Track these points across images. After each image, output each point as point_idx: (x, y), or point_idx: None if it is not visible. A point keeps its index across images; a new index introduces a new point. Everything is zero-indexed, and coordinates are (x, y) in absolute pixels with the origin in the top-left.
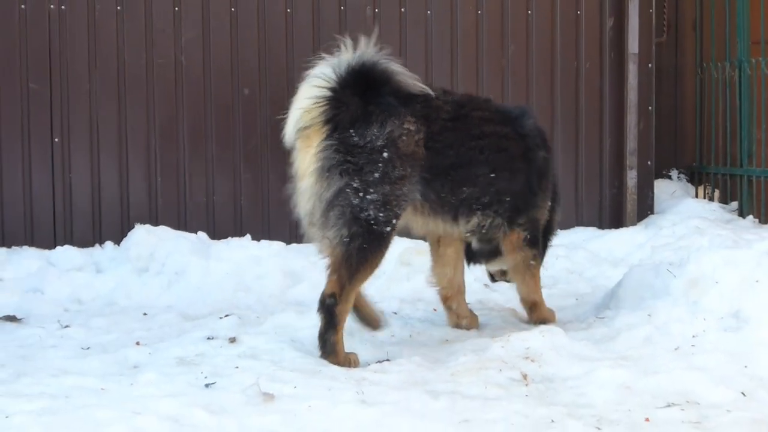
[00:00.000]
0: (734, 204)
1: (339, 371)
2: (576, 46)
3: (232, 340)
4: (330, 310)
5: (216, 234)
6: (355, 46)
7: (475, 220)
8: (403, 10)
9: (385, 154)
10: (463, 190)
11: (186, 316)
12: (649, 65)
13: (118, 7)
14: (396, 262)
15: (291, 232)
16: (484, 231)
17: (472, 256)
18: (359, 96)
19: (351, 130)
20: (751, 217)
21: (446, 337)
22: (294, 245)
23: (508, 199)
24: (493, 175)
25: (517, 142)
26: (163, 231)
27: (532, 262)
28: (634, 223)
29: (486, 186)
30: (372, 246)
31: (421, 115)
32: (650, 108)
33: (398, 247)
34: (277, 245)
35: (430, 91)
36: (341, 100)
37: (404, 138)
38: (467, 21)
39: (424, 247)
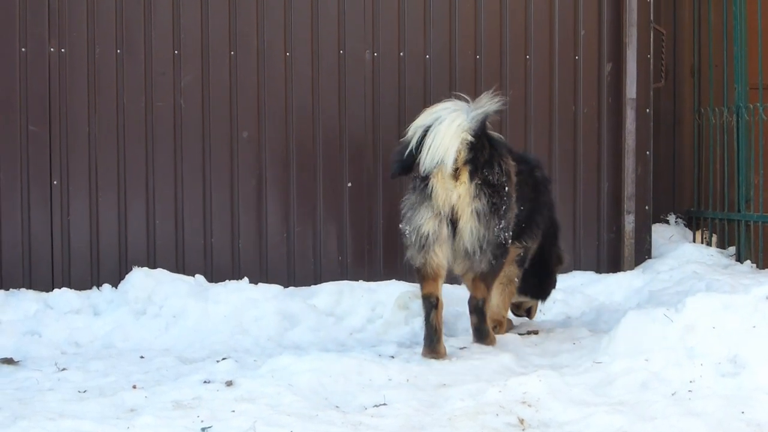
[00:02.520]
0: (732, 249)
1: (336, 415)
2: (574, 90)
3: (229, 383)
4: (481, 310)
5: (214, 277)
6: (489, 98)
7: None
8: (402, 54)
9: (506, 188)
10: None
11: (183, 359)
12: (647, 110)
13: (118, 50)
14: (394, 306)
15: (289, 275)
16: None
17: None
18: (488, 140)
19: (484, 170)
20: (748, 262)
21: (444, 382)
22: (291, 288)
23: (523, 225)
24: (522, 207)
25: (531, 179)
26: (161, 274)
27: (515, 280)
28: (631, 268)
29: (517, 214)
30: (503, 259)
31: (509, 150)
32: (648, 153)
33: (396, 291)
34: (275, 288)
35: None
36: (481, 145)
37: (512, 171)
38: (465, 65)
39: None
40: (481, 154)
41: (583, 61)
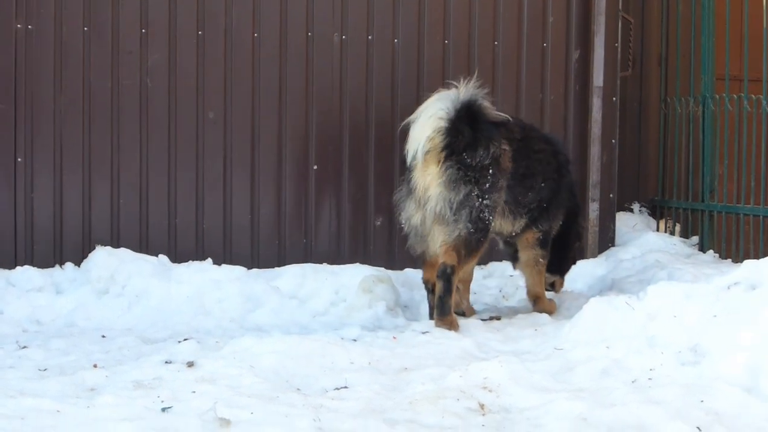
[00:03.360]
0: (695, 238)
1: (297, 398)
2: (542, 77)
3: (191, 364)
4: (449, 277)
5: (177, 257)
6: (465, 86)
7: (521, 221)
8: (370, 37)
9: (491, 170)
10: (529, 195)
11: (145, 339)
12: (614, 99)
13: (85, 28)
14: (357, 289)
15: (253, 257)
16: (518, 232)
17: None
18: (469, 126)
19: (464, 154)
20: (711, 251)
21: (405, 366)
22: (255, 270)
23: (544, 205)
24: (542, 184)
25: (555, 159)
26: (125, 253)
27: (540, 260)
28: (595, 256)
29: (537, 192)
30: (483, 238)
31: (507, 137)
32: (614, 141)
33: (359, 274)
34: (239, 270)
35: (509, 118)
36: (458, 130)
37: (502, 156)
38: (434, 50)
39: (384, 275)
40: (460, 138)
41: (551, 49)
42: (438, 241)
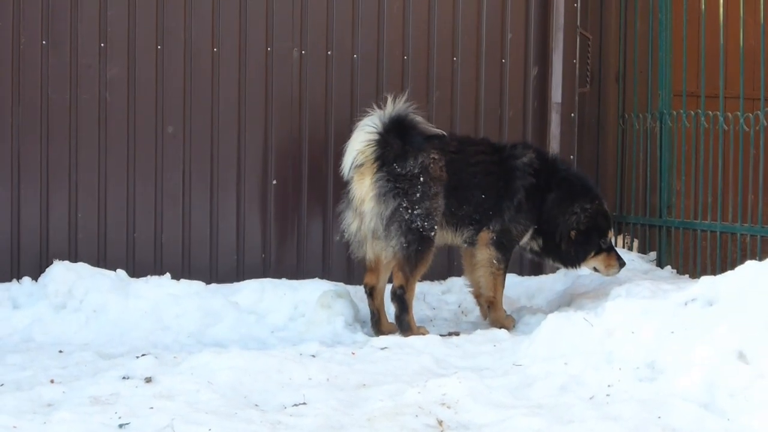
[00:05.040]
0: (653, 254)
1: (255, 414)
2: (500, 93)
3: (148, 380)
4: (401, 298)
5: (136, 272)
6: (393, 102)
7: (467, 230)
8: (330, 53)
9: (421, 178)
10: (470, 203)
11: (102, 354)
12: (572, 115)
13: (44, 42)
14: (316, 304)
15: (211, 272)
16: (469, 240)
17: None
18: (399, 138)
19: (394, 164)
20: (669, 267)
21: (364, 382)
22: (214, 285)
23: (490, 212)
24: (483, 195)
25: (501, 168)
26: (82, 267)
27: (494, 262)
28: (553, 271)
29: (480, 200)
30: (424, 247)
31: (439, 148)
32: (572, 157)
33: (319, 289)
34: (197, 284)
35: (443, 132)
36: (387, 142)
37: (432, 165)
38: (393, 65)
39: (343, 290)
40: (389, 149)
41: (510, 65)
42: (383, 253)
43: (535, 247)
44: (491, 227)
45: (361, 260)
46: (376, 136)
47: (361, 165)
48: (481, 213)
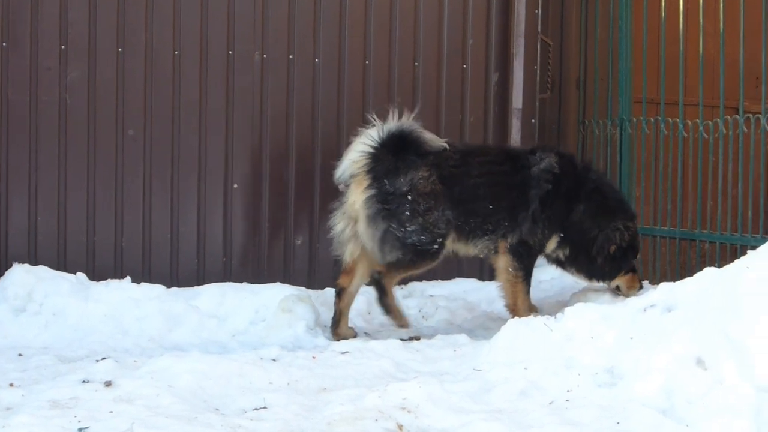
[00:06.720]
0: None
1: (215, 418)
2: (462, 98)
3: (108, 383)
4: (381, 285)
5: (96, 275)
6: (399, 117)
7: (479, 240)
8: (291, 57)
9: (409, 197)
10: (478, 213)
11: (62, 357)
12: (533, 120)
13: (3, 44)
14: (277, 309)
15: (172, 276)
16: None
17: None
18: (393, 154)
19: (384, 180)
20: None
21: (324, 386)
22: (174, 289)
23: (504, 222)
24: (491, 206)
25: (517, 175)
26: (42, 271)
27: (510, 270)
28: None
29: (487, 213)
30: (420, 259)
31: (434, 164)
32: None
33: (280, 294)
34: (158, 288)
35: (446, 145)
36: (379, 157)
37: (422, 182)
38: (354, 70)
39: (305, 294)
40: (380, 164)
41: (471, 70)
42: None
43: (561, 256)
44: (507, 237)
45: (339, 259)
46: (370, 150)
47: (357, 175)
48: (493, 223)
